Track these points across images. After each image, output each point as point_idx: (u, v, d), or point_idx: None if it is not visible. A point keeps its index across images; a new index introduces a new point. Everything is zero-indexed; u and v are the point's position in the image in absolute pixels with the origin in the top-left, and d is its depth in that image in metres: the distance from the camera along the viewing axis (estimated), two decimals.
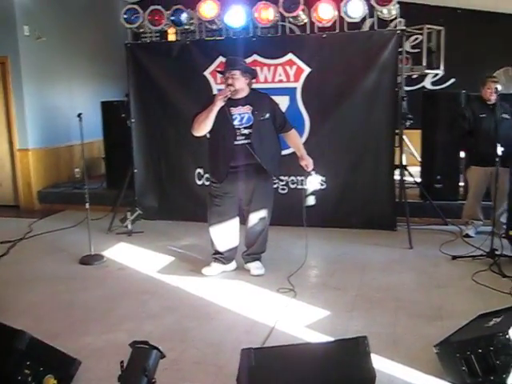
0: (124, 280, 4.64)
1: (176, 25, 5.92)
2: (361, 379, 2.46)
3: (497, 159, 4.67)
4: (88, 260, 5.04)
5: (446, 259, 4.90)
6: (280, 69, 5.81)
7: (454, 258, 4.87)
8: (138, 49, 6.17)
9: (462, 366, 2.75)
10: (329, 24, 5.55)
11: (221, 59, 5.75)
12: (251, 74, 4.45)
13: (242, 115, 4.30)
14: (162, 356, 2.75)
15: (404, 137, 7.58)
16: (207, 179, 5.87)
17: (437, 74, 8.18)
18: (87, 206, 5.06)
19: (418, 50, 7.24)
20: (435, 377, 2.91)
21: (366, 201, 5.77)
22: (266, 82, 5.87)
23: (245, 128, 4.28)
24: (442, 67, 7.06)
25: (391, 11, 5.45)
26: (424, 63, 6.85)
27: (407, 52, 8.17)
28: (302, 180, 5.95)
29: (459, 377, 2.79)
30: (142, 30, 6.41)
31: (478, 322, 3.12)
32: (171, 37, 8.89)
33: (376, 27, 5.54)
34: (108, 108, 7.01)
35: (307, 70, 5.74)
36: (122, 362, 2.65)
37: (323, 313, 3.81)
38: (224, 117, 4.24)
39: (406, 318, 3.69)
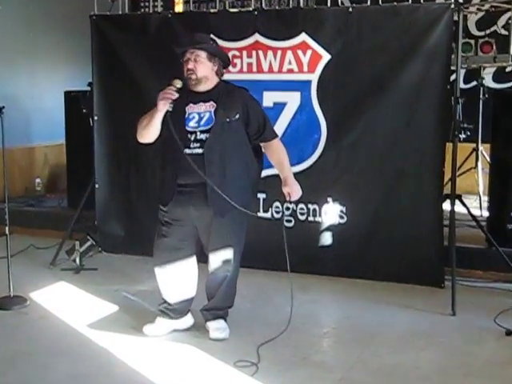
0: (40, 333, 4.63)
1: None
2: None
3: None
4: (5, 303, 5.07)
5: (498, 335, 4.56)
6: (290, 54, 5.70)
7: (509, 333, 4.55)
8: (105, 22, 6.23)
9: None
10: None
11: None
12: (223, 59, 4.38)
13: (201, 114, 4.23)
14: None
15: (483, 152, 7.29)
16: None
17: None
18: (7, 230, 5.11)
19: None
20: None
21: (402, 243, 5.53)
22: (270, 71, 5.78)
23: (201, 132, 4.18)
24: None
25: None
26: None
27: (496, 34, 7.90)
28: (315, 209, 5.80)
29: None
30: None
31: None
32: (178, 7, 9.04)
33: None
34: (71, 100, 7.05)
35: (327, 56, 5.60)
36: None
37: None
38: (177, 116, 4.18)
39: None
